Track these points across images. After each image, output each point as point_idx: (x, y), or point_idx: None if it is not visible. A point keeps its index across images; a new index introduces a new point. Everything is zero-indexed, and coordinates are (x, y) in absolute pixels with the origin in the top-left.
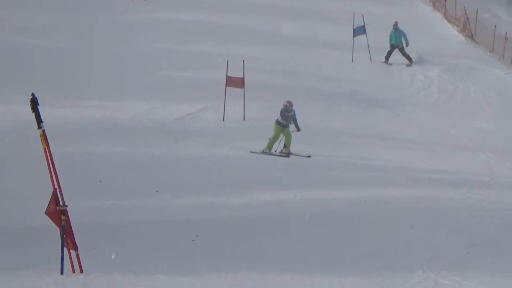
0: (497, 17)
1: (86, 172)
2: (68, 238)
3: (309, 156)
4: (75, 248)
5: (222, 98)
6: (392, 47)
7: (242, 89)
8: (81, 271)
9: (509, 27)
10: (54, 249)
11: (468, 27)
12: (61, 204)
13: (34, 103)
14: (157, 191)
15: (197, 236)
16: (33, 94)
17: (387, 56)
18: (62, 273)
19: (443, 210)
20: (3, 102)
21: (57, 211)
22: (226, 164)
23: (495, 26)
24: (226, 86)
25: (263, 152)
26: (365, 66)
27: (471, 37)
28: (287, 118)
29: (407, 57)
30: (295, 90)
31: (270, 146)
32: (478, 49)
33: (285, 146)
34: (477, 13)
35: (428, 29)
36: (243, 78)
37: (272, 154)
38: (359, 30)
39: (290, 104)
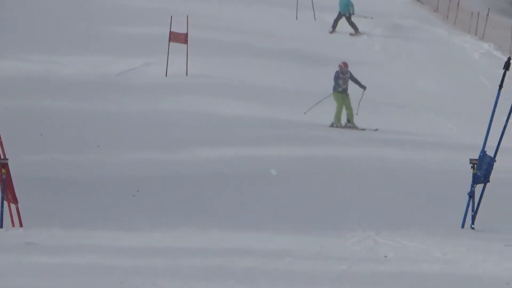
0: None
1: (28, 126)
2: (8, 192)
3: (376, 129)
4: (15, 201)
5: (165, 54)
6: (339, 15)
7: (185, 45)
8: (21, 225)
9: None
10: None
11: None
12: (1, 157)
13: None
14: (98, 146)
15: (137, 191)
16: None
17: (334, 25)
18: (1, 226)
19: (385, 169)
20: None
21: None
22: (169, 119)
23: None
24: (170, 41)
25: (333, 126)
26: (309, 24)
27: None
28: (344, 81)
29: (353, 26)
30: (238, 47)
31: (338, 118)
32: (422, 9)
33: (348, 121)
34: None
35: None
36: (187, 34)
37: (343, 127)
38: None
39: (345, 65)
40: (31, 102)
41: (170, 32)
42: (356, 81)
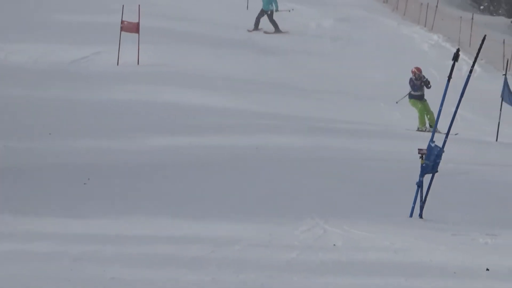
0: None
1: None
2: None
3: (457, 134)
4: None
5: (117, 43)
6: (262, 12)
7: (137, 34)
8: None
9: None
10: None
11: None
12: None
13: None
14: (50, 134)
15: (88, 179)
16: None
17: (256, 23)
18: None
19: (334, 159)
20: None
21: None
22: (120, 108)
23: None
24: (121, 31)
25: (419, 130)
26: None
27: None
28: (420, 87)
29: (274, 24)
30: (189, 36)
31: (422, 122)
32: (374, 0)
33: (430, 126)
34: None
35: None
36: (138, 23)
37: (428, 131)
38: None
39: (419, 70)
40: None
41: (122, 21)
42: (427, 84)
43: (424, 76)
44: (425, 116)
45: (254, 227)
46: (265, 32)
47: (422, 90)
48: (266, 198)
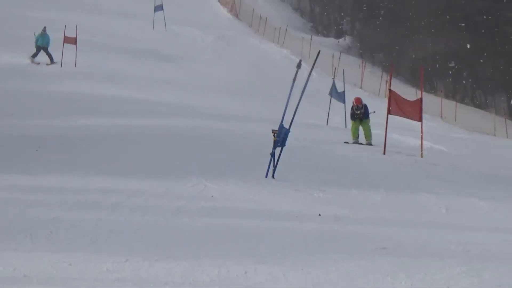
0: (255, 2)
1: None
2: None
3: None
4: None
5: (60, 51)
6: (39, 49)
7: (75, 45)
8: None
9: (263, 10)
10: None
11: (234, 8)
12: None
13: None
14: (12, 115)
15: (39, 147)
16: None
17: (34, 56)
18: None
19: (211, 136)
20: None
21: None
22: (61, 97)
23: (253, 9)
24: (64, 42)
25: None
26: (162, 32)
27: (236, 15)
28: (358, 115)
29: (50, 57)
30: (111, 47)
31: (353, 135)
32: (241, 24)
33: (366, 139)
34: None
35: (206, 9)
36: (76, 37)
37: (358, 143)
38: (158, 8)
39: (358, 101)
40: None
41: (64, 36)
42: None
43: (364, 107)
44: (358, 131)
45: (155, 183)
46: (48, 64)
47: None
48: (164, 162)
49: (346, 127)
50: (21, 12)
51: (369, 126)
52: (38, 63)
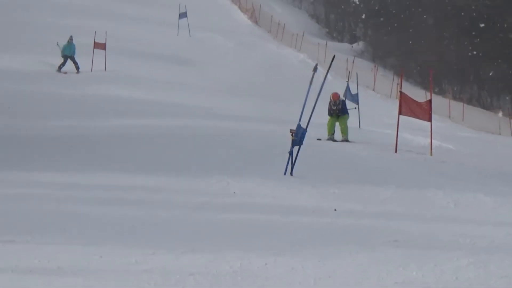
0: (273, 10)
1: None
2: None
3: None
4: None
5: (91, 56)
6: (65, 58)
7: (104, 51)
8: None
9: (281, 17)
10: None
11: (254, 16)
12: None
13: None
14: (42, 116)
15: (71, 147)
16: None
17: (61, 66)
18: None
19: (232, 136)
20: None
21: None
22: (92, 99)
23: (272, 16)
24: (94, 48)
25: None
26: (186, 38)
27: (256, 22)
28: (335, 111)
29: (76, 65)
30: (137, 53)
31: (329, 130)
32: (260, 30)
33: (342, 136)
34: (260, 6)
35: (227, 17)
36: (105, 43)
37: (333, 139)
38: (183, 15)
39: (335, 97)
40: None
41: (94, 42)
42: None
43: (342, 102)
44: (334, 127)
45: (178, 180)
46: (77, 73)
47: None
48: (186, 161)
49: (360, 127)
50: (54, 19)
51: (346, 122)
52: (65, 73)
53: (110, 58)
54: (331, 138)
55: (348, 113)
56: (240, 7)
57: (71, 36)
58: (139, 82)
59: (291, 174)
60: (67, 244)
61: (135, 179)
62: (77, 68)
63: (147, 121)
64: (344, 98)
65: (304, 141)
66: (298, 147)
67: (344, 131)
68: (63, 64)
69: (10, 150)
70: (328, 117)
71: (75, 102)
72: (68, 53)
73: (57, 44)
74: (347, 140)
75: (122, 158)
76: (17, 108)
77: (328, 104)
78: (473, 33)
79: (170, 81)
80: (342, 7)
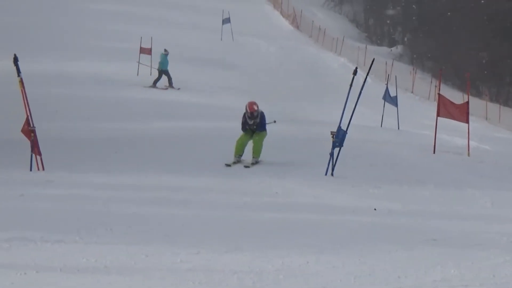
0: (314, 15)
1: (47, 106)
2: (35, 148)
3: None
4: (40, 154)
5: (137, 60)
6: (161, 73)
7: (150, 55)
8: (43, 169)
9: (321, 22)
10: (26, 155)
11: (295, 21)
12: (31, 125)
13: (15, 60)
14: (88, 118)
15: (117, 149)
16: (15, 54)
17: (156, 81)
18: (31, 170)
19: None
20: None
21: (29, 130)
22: (137, 103)
23: (313, 21)
24: (140, 53)
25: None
26: (229, 43)
27: (297, 27)
28: (253, 127)
29: (170, 81)
30: (182, 57)
31: (237, 150)
32: (301, 35)
33: (253, 157)
34: (301, 12)
35: (269, 22)
36: (151, 48)
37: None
38: (226, 20)
39: (251, 107)
40: (48, 90)
41: (140, 47)
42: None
43: (260, 115)
44: (244, 147)
45: (222, 180)
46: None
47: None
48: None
49: (399, 128)
50: (101, 25)
51: (262, 141)
52: (166, 87)
53: (156, 63)
54: (238, 160)
55: (266, 130)
56: (281, 13)
57: (165, 49)
58: (184, 85)
59: (332, 174)
60: (114, 243)
61: (181, 180)
62: (171, 83)
63: (192, 123)
64: (262, 110)
65: (345, 143)
66: (338, 148)
67: (257, 151)
68: (159, 78)
69: (59, 152)
70: (242, 134)
71: (122, 106)
72: (165, 67)
73: (163, 52)
74: (257, 162)
75: (168, 159)
76: (64, 111)
77: (242, 116)
78: (510, 35)
79: (214, 84)
80: (381, 12)
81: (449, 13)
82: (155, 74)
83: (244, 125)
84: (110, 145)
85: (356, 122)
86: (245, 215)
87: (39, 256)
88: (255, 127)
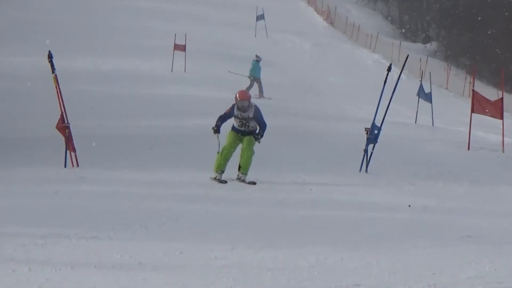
0: (348, 11)
1: (81, 102)
2: (69, 144)
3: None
4: (74, 151)
5: (171, 57)
6: (253, 80)
7: (184, 52)
8: (78, 166)
9: (356, 18)
10: (60, 151)
11: (330, 17)
12: (66, 122)
13: (50, 57)
14: (128, 116)
15: (153, 145)
16: (49, 51)
17: (249, 88)
18: (65, 166)
19: (308, 134)
20: (26, 55)
21: (63, 126)
22: (173, 100)
23: (347, 17)
24: (174, 50)
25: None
26: (263, 40)
27: (331, 23)
28: (242, 123)
29: (261, 89)
30: (217, 54)
31: (217, 164)
32: (335, 31)
33: (240, 171)
34: (335, 8)
35: (303, 18)
36: (185, 45)
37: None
38: (260, 17)
39: (243, 96)
40: (82, 88)
41: (174, 44)
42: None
43: (253, 108)
44: (227, 160)
45: (259, 177)
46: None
47: (249, 127)
48: (262, 158)
49: (433, 125)
50: (136, 22)
51: (252, 148)
52: (270, 98)
53: (190, 59)
54: (218, 178)
55: (262, 136)
56: (315, 9)
57: (256, 55)
58: (218, 82)
59: (366, 171)
60: (149, 240)
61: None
62: (261, 92)
63: (228, 121)
64: (253, 105)
65: (379, 139)
66: (372, 144)
67: (246, 164)
68: (251, 86)
69: (94, 149)
70: (228, 134)
71: (157, 103)
72: (258, 74)
73: (255, 60)
74: (243, 181)
75: (203, 156)
76: (99, 108)
77: (230, 108)
78: None
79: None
80: (416, 9)
81: (483, 9)
82: (190, 70)
83: (224, 118)
84: (144, 142)
85: (390, 119)
86: (279, 212)
87: (73, 253)
88: (243, 128)
